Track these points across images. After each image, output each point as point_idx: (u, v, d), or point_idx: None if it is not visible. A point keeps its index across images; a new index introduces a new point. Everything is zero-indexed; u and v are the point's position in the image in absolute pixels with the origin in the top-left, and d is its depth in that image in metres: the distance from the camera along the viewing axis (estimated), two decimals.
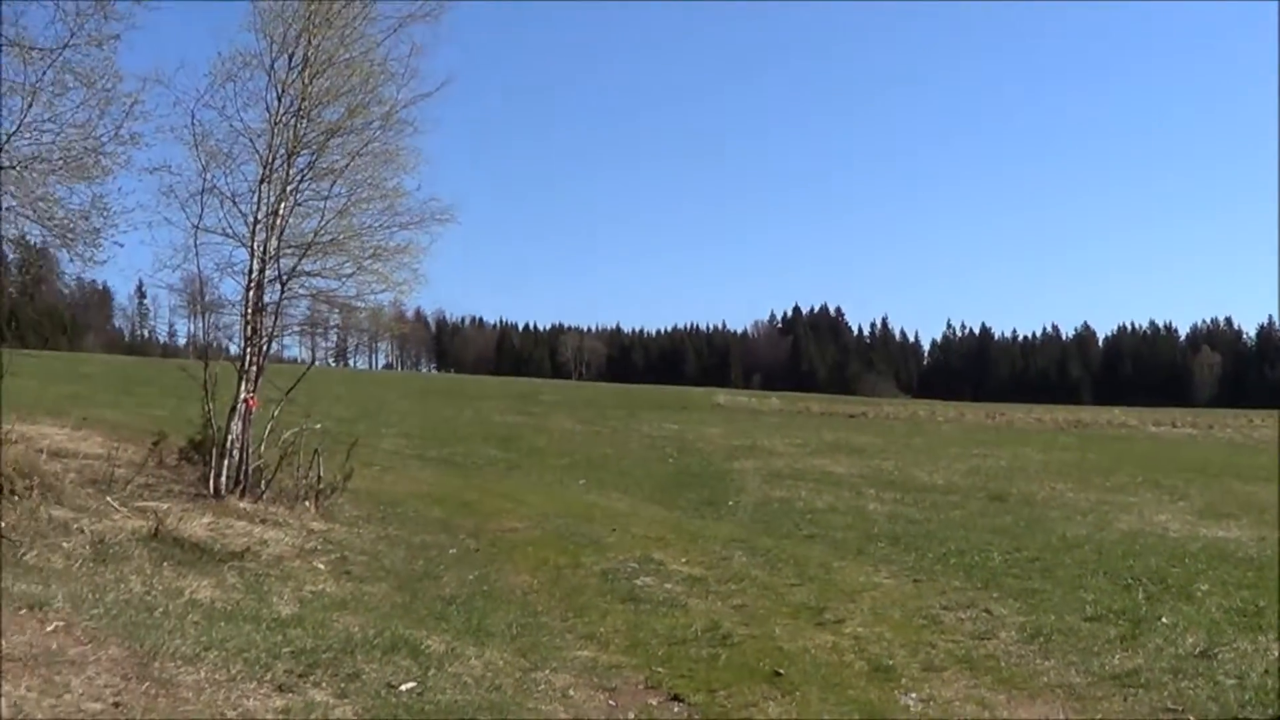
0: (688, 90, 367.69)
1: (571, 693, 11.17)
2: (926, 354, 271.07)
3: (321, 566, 16.37)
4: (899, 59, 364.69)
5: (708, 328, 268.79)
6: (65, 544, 14.62)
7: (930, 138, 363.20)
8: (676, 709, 11.13)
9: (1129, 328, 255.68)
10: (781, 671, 12.32)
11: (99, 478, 19.85)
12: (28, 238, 22.21)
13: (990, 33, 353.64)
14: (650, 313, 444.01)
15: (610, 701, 11.18)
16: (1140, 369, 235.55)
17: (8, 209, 19.87)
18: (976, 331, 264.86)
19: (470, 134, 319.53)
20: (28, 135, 19.20)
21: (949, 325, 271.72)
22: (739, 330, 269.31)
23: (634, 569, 18.47)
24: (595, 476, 35.92)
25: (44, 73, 19.24)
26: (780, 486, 33.64)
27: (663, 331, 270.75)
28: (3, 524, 14.97)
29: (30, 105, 18.98)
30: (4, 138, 18.87)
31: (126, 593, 12.41)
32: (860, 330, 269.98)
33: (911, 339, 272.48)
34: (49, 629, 10.05)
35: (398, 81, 22.65)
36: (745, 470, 38.91)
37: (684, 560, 19.49)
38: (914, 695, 11.79)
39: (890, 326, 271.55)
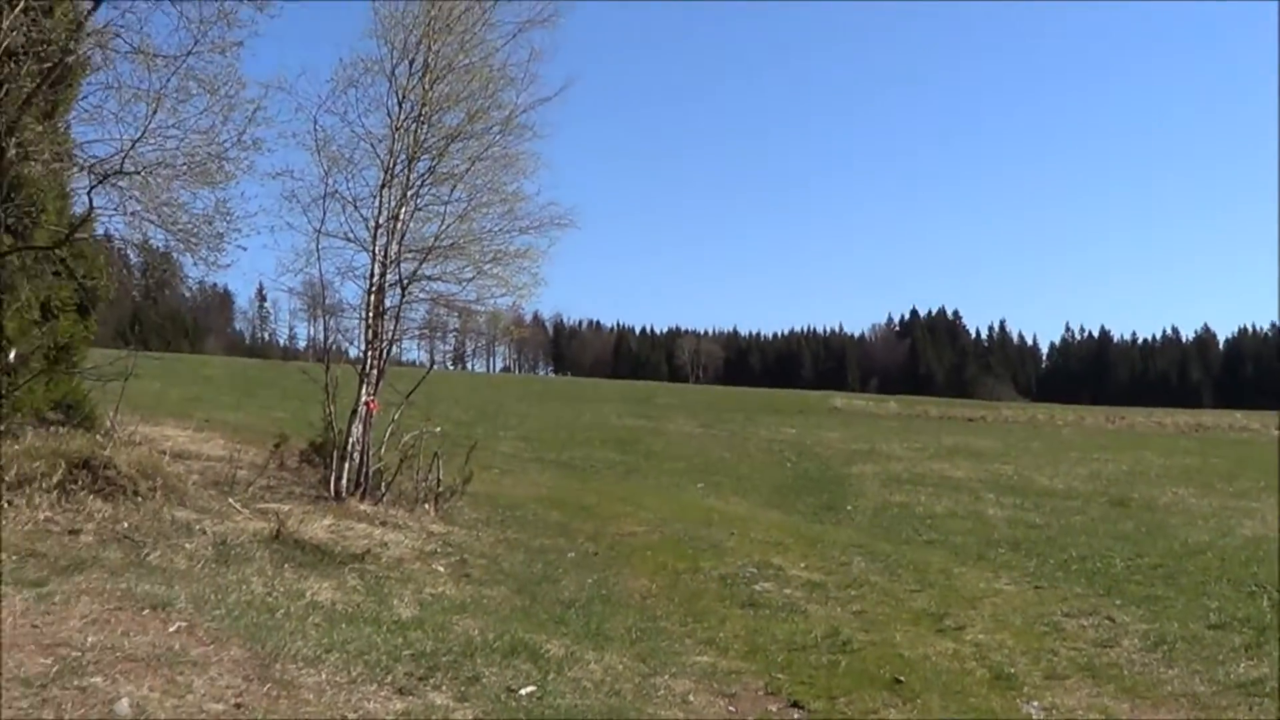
0: (813, 92, 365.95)
1: (691, 698, 11.12)
2: (1045, 357, 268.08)
3: (441, 569, 16.42)
4: (1059, 56, 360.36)
5: (824, 330, 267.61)
6: (188, 545, 14.77)
7: (1061, 141, 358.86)
8: (796, 715, 11.06)
9: (1250, 330, 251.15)
10: (902, 679, 12.21)
11: (221, 479, 20.07)
12: (151, 242, 22.46)
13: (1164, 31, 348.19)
14: (767, 316, 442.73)
15: (730, 708, 11.12)
16: (1262, 372, 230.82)
17: (132, 214, 20.12)
18: (1095, 334, 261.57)
19: (588, 137, 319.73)
20: (152, 141, 19.42)
21: (1067, 328, 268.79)
22: (856, 333, 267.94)
23: (753, 574, 18.39)
24: (713, 480, 35.81)
25: (168, 79, 19.47)
26: (899, 491, 33.38)
27: (779, 335, 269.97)
28: (127, 525, 15.17)
29: (155, 112, 19.20)
30: (129, 144, 19.11)
31: (248, 594, 12.50)
32: (978, 333, 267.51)
33: (1030, 342, 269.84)
34: (172, 629, 10.14)
35: (517, 86, 22.74)
36: (864, 474, 38.64)
37: (803, 565, 19.39)
38: (1036, 704, 11.66)
39: (1008, 329, 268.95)
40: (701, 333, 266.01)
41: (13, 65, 19.59)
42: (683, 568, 18.78)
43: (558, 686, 10.50)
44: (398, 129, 21.84)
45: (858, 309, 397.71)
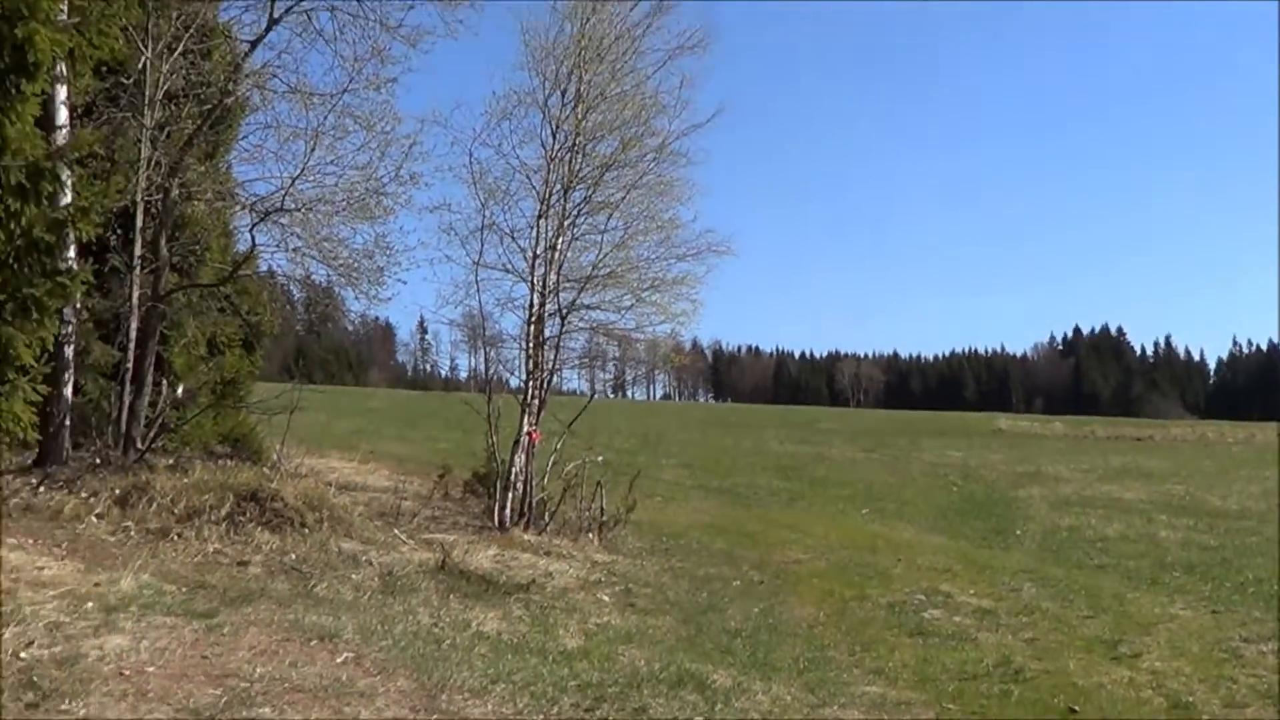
0: (978, 110, 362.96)
1: None
2: (1212, 372, 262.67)
3: (606, 599, 16.36)
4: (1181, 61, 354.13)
5: (986, 351, 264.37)
6: (355, 576, 14.90)
7: (1224, 153, 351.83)
8: None
9: None
10: (1076, 709, 11.93)
11: (386, 510, 20.25)
12: (313, 277, 22.82)
13: None
14: (927, 337, 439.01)
15: None
16: None
17: (294, 250, 20.46)
18: (1264, 347, 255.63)
19: (739, 163, 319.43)
20: (311, 178, 19.75)
21: (1235, 342, 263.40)
22: (1018, 353, 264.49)
23: (921, 601, 18.11)
24: (878, 505, 35.40)
25: (325, 117, 19.80)
26: (1068, 514, 32.72)
27: (940, 356, 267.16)
28: (294, 556, 15.34)
29: (313, 149, 19.52)
30: (288, 181, 19.40)
31: (414, 625, 12.53)
32: (1143, 350, 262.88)
33: (1197, 357, 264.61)
34: (339, 660, 10.19)
35: (669, 113, 22.72)
36: (1031, 498, 37.98)
37: (972, 592, 19.07)
38: None
39: (1174, 345, 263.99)
40: (861, 356, 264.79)
41: (174, 108, 20.02)
42: (849, 595, 18.54)
43: (725, 717, 10.37)
44: (552, 159, 21.93)
45: (1019, 328, 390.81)
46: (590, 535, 21.25)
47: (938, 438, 77.48)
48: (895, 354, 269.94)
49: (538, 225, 21.94)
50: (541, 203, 21.91)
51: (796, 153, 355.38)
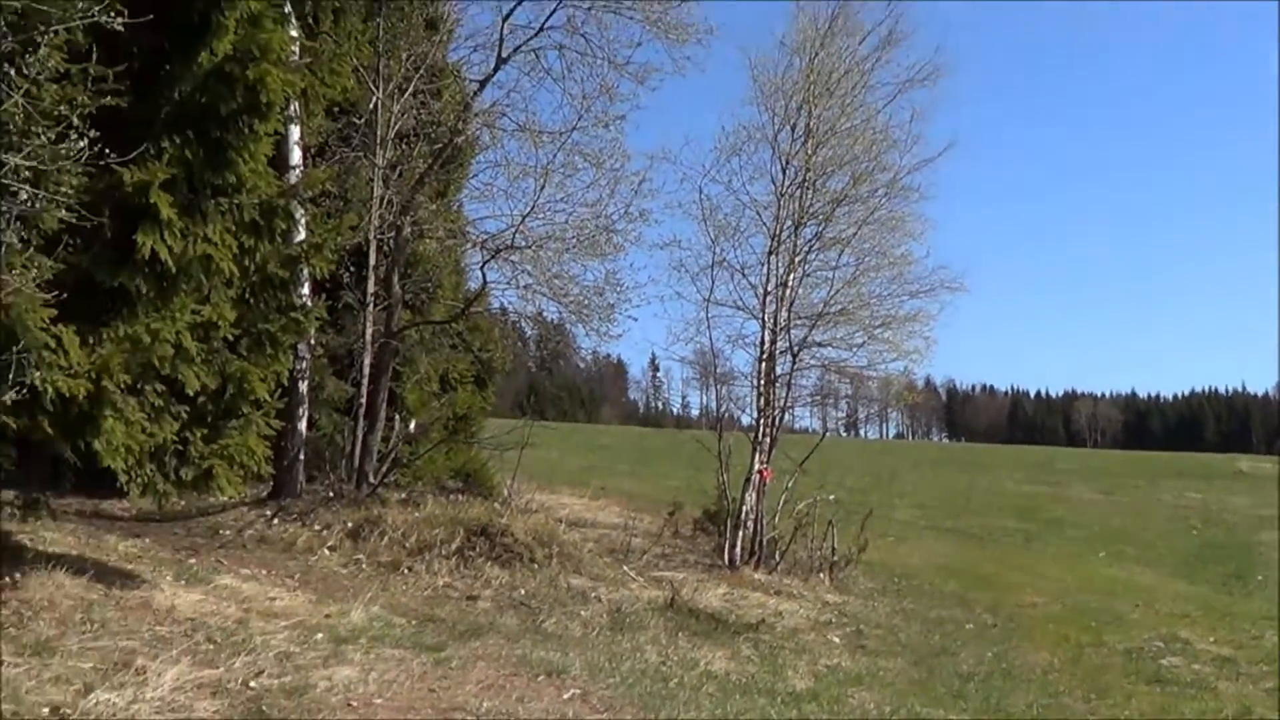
0: (1215, 131, 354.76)
1: None
2: None
3: (836, 640, 16.14)
4: None
5: (1226, 390, 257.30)
6: (583, 612, 14.91)
7: None
8: None
9: None
10: None
11: (616, 547, 20.27)
12: (544, 314, 22.99)
13: None
14: (1165, 376, 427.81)
15: None
16: None
17: (524, 287, 20.62)
18: None
19: (974, 196, 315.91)
20: (541, 216, 19.93)
21: None
22: (1259, 392, 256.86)
23: (1159, 648, 17.57)
24: (1115, 548, 34.57)
25: (554, 155, 19.97)
26: None
27: (1179, 395, 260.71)
28: (523, 591, 15.40)
29: (542, 187, 19.71)
30: (518, 219, 19.58)
31: (642, 662, 12.47)
32: None
33: None
34: (565, 696, 10.16)
35: (900, 148, 22.47)
36: (1273, 543, 36.72)
37: (1212, 639, 18.47)
38: None
39: None
40: (1098, 395, 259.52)
41: (405, 147, 20.36)
42: (1085, 641, 18.06)
43: None
44: (783, 195, 21.85)
45: (1262, 366, 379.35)
46: (821, 575, 21.04)
47: (1177, 479, 75.38)
48: (1133, 393, 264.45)
49: (768, 261, 21.87)
50: (772, 239, 21.84)
51: (1033, 190, 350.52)
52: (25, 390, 8.20)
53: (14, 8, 7.77)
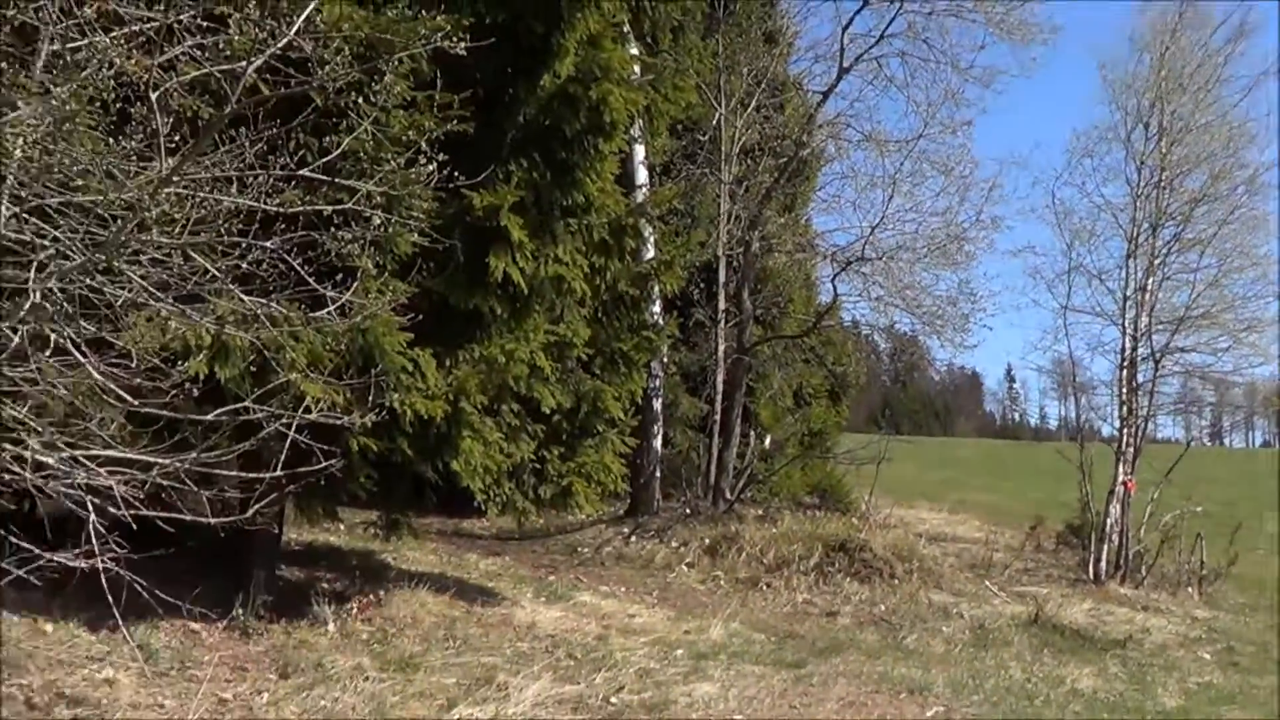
0: None
1: None
2: None
3: (1207, 656, 15.52)
4: None
5: None
6: (945, 629, 14.71)
7: None
8: None
9: None
10: None
11: (976, 562, 19.95)
12: (897, 326, 22.80)
13: None
14: None
15: None
16: None
17: (876, 299, 20.50)
18: None
19: None
20: (890, 226, 19.80)
21: None
22: None
23: None
24: None
25: (901, 164, 19.79)
26: None
27: None
28: (883, 608, 15.25)
29: (891, 196, 19.60)
30: (868, 230, 19.47)
31: (1006, 679, 12.21)
32: None
33: None
34: (928, 714, 10.05)
35: (1259, 143, 21.55)
36: None
37: None
38: None
39: None
40: None
41: (750, 162, 20.44)
42: None
43: None
44: (1138, 196, 21.20)
45: None
46: (1189, 589, 20.28)
47: None
48: None
49: (1126, 265, 21.27)
50: (1129, 242, 21.24)
51: None
52: (384, 412, 8.40)
53: (359, 38, 8.01)
